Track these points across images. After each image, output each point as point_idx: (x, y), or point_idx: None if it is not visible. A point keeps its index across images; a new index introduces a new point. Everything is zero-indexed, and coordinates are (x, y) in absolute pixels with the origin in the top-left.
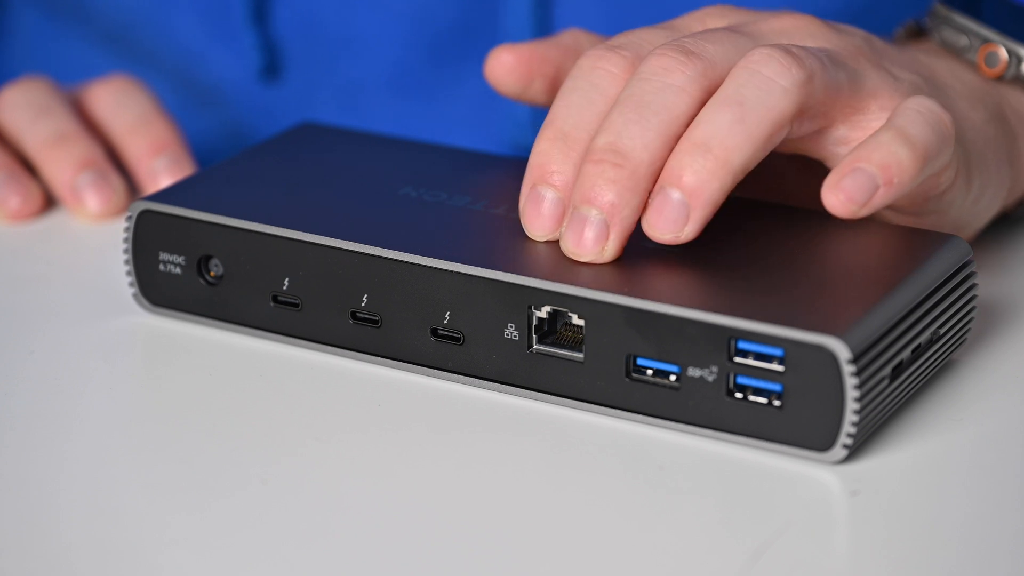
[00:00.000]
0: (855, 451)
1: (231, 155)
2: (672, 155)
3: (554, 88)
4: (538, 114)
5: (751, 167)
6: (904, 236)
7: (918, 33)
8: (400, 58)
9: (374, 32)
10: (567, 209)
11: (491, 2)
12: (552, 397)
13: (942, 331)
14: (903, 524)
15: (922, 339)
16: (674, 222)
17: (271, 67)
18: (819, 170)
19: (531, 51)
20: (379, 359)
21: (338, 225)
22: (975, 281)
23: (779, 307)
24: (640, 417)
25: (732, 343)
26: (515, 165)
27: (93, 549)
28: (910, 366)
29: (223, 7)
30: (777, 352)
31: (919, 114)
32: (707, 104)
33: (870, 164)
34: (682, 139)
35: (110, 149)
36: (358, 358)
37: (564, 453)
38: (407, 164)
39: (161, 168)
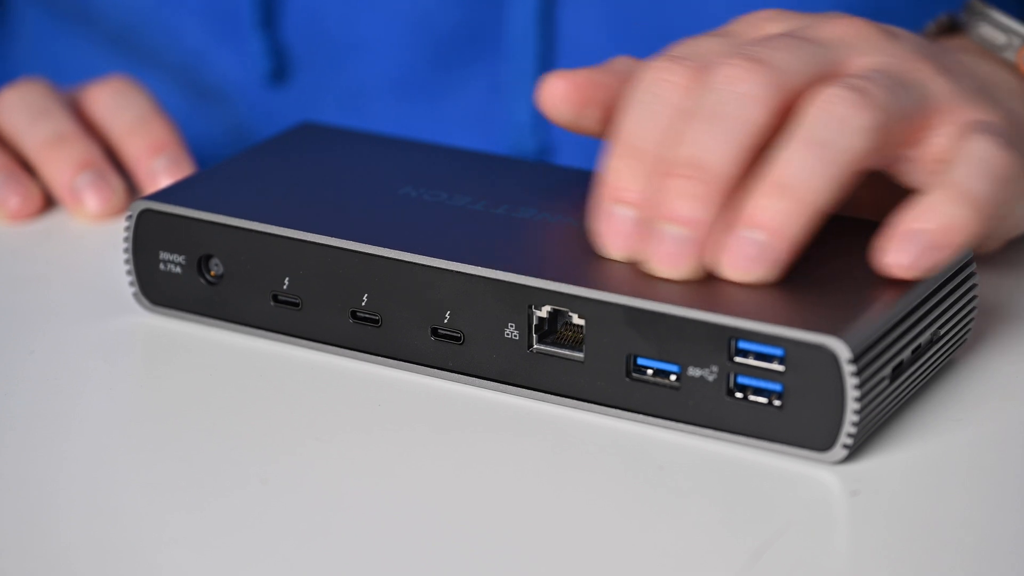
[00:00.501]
0: (855, 451)
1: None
2: (751, 195)
3: (608, 116)
4: (538, 118)
5: (830, 206)
6: None
7: (950, 28)
8: (404, 62)
9: (378, 36)
10: (643, 225)
11: (496, 6)
12: (552, 397)
13: (942, 332)
14: (903, 524)
15: (922, 339)
16: (755, 263)
17: (279, 72)
18: (877, 176)
19: (585, 78)
20: (379, 359)
21: (338, 225)
22: (975, 282)
23: (779, 307)
24: (640, 417)
25: (732, 343)
26: (515, 165)
27: (92, 549)
28: (910, 366)
29: (229, 10)
30: (777, 352)
31: (982, 164)
32: (784, 142)
33: (926, 227)
34: (761, 179)
35: (109, 150)
36: (358, 358)
37: (564, 453)
38: (407, 164)
39: (160, 168)
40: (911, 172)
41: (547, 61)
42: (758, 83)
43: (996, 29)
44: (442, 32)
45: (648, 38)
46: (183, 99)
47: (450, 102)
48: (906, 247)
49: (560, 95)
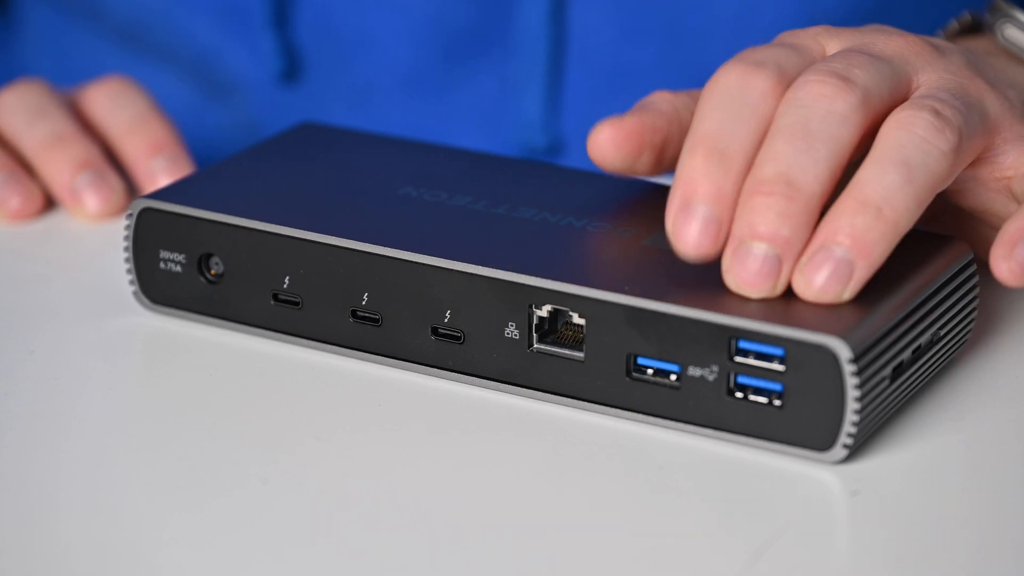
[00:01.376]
0: (855, 451)
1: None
2: (837, 212)
3: (661, 159)
4: (549, 115)
5: (909, 229)
6: (906, 237)
7: (973, 28)
8: (414, 59)
9: (388, 33)
10: (722, 227)
11: (506, 3)
12: (552, 397)
13: (943, 332)
14: (903, 524)
15: (923, 340)
16: (837, 282)
17: (291, 71)
18: None
19: (637, 124)
20: (379, 358)
21: (339, 224)
22: (976, 283)
23: (780, 307)
24: (640, 417)
25: (733, 342)
26: (516, 165)
27: (93, 548)
28: (911, 367)
29: (241, 7)
30: (778, 352)
31: None
32: (868, 162)
33: None
34: (845, 196)
35: (108, 150)
36: (358, 357)
37: (564, 453)
38: (408, 163)
39: (159, 168)
40: (976, 191)
41: (557, 58)
42: (848, 102)
43: (1021, 31)
44: (452, 29)
45: (658, 36)
46: (193, 95)
47: (460, 99)
48: (1019, 255)
49: (613, 145)
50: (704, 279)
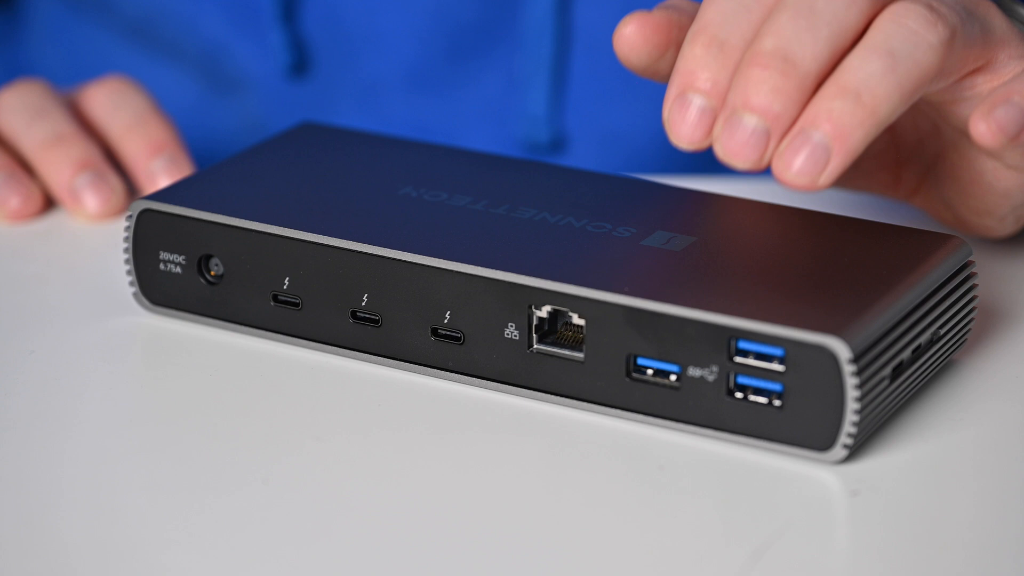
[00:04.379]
0: (855, 451)
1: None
2: (817, 98)
3: None
4: (553, 111)
5: (892, 120)
6: (905, 236)
7: None
8: (420, 55)
9: (395, 29)
10: (719, 115)
11: (511, 0)
12: (552, 397)
13: (942, 332)
14: (903, 524)
15: (922, 339)
16: (814, 166)
17: (299, 65)
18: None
19: (664, 18)
20: (379, 359)
21: (339, 224)
22: (976, 282)
23: (779, 307)
24: (640, 417)
25: (732, 343)
26: (516, 165)
27: (93, 549)
28: (910, 366)
29: (249, 1)
30: (777, 352)
31: None
32: (854, 50)
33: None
34: (828, 83)
35: (107, 150)
36: (358, 358)
37: (564, 453)
38: (408, 164)
39: (159, 169)
40: (971, 103)
41: (562, 53)
42: None
43: (1021, 25)
44: (458, 24)
45: None
46: (200, 91)
47: (465, 95)
48: (999, 115)
49: (641, 37)
50: (704, 279)
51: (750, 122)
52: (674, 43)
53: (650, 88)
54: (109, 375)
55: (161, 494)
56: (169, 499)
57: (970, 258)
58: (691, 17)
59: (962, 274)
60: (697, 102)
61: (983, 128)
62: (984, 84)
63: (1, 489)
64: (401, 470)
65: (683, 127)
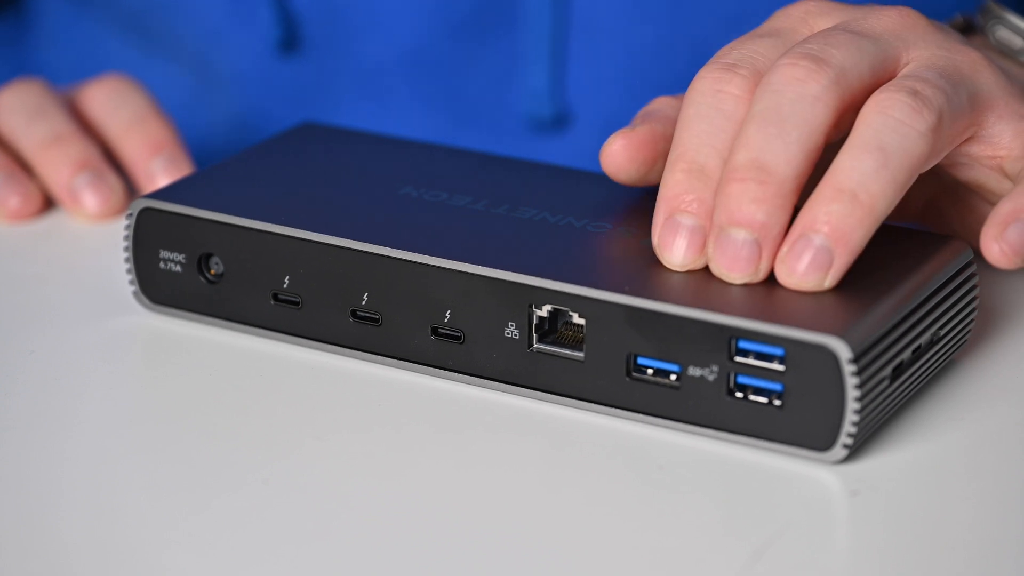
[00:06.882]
0: (855, 451)
1: (248, 143)
2: (815, 201)
3: None
4: (556, 84)
5: (890, 211)
6: (906, 237)
7: (965, 30)
8: (419, 38)
9: (393, 13)
10: (707, 236)
11: None
12: (552, 397)
13: (943, 332)
14: (903, 524)
15: (923, 340)
16: (817, 269)
17: (289, 41)
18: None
19: (648, 133)
20: (379, 358)
21: (339, 223)
22: (976, 283)
23: (780, 306)
24: (640, 417)
25: (733, 342)
26: (516, 165)
27: (93, 549)
28: (911, 367)
29: None
30: (778, 351)
31: None
32: (844, 149)
33: None
34: (823, 185)
35: (106, 149)
36: (358, 357)
37: (564, 453)
38: (408, 163)
39: (158, 168)
40: (971, 167)
41: (562, 32)
42: (820, 83)
43: (1013, 33)
44: (458, 7)
45: (663, 10)
46: (194, 86)
47: (465, 77)
48: (1010, 236)
49: (626, 156)
50: (704, 279)
51: (739, 235)
52: (660, 155)
53: (650, 66)
54: (109, 375)
55: (161, 493)
56: (169, 498)
57: (971, 259)
58: (673, 122)
59: (963, 275)
60: (687, 222)
61: (996, 251)
62: (979, 152)
63: (1, 489)
64: (401, 470)
65: (675, 249)
